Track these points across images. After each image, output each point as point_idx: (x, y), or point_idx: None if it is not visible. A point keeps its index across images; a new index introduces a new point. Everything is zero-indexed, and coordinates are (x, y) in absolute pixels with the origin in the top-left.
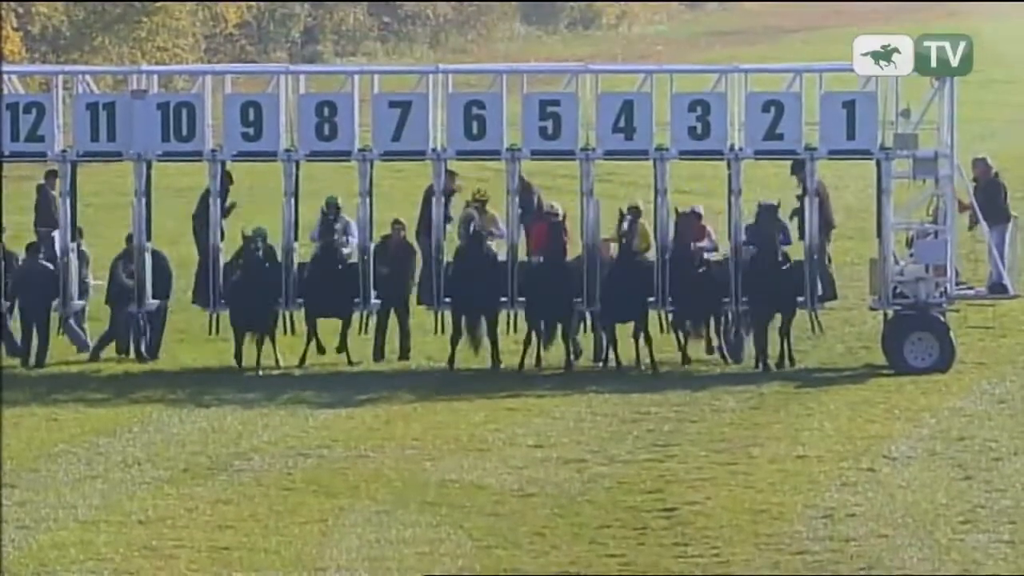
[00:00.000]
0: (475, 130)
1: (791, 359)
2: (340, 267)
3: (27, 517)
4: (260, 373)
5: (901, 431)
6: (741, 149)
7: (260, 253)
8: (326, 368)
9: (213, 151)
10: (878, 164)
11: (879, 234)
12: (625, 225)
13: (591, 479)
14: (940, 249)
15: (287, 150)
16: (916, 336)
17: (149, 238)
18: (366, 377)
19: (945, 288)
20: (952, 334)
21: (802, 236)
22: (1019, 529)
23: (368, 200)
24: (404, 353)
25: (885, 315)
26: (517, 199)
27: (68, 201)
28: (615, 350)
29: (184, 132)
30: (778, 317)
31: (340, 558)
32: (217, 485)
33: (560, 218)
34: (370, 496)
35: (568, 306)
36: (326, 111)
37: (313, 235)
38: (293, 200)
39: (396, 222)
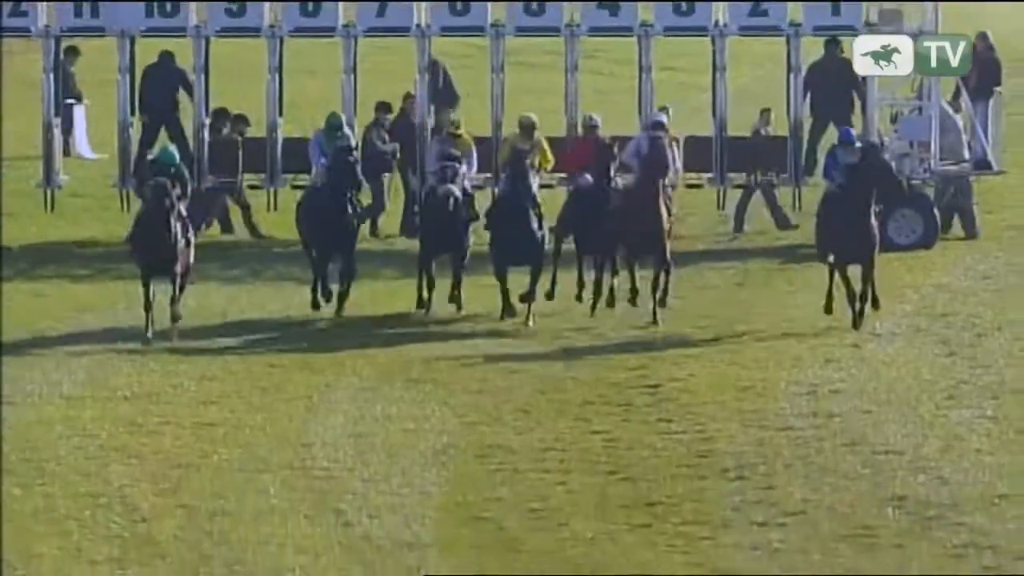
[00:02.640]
0: (459, 7)
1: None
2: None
3: (13, 394)
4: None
5: (885, 307)
6: (726, 25)
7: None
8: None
9: (197, 27)
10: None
11: (863, 111)
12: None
13: (575, 356)
14: (924, 125)
15: (271, 26)
16: (900, 213)
17: (133, 112)
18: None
19: (929, 164)
20: (936, 211)
21: (788, 113)
22: (1002, 405)
23: (352, 77)
24: (404, 229)
25: None
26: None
27: (52, 77)
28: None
29: (168, 8)
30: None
31: (325, 434)
32: (202, 361)
33: (599, 129)
34: (355, 372)
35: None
36: None
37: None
38: (277, 76)
39: (408, 96)
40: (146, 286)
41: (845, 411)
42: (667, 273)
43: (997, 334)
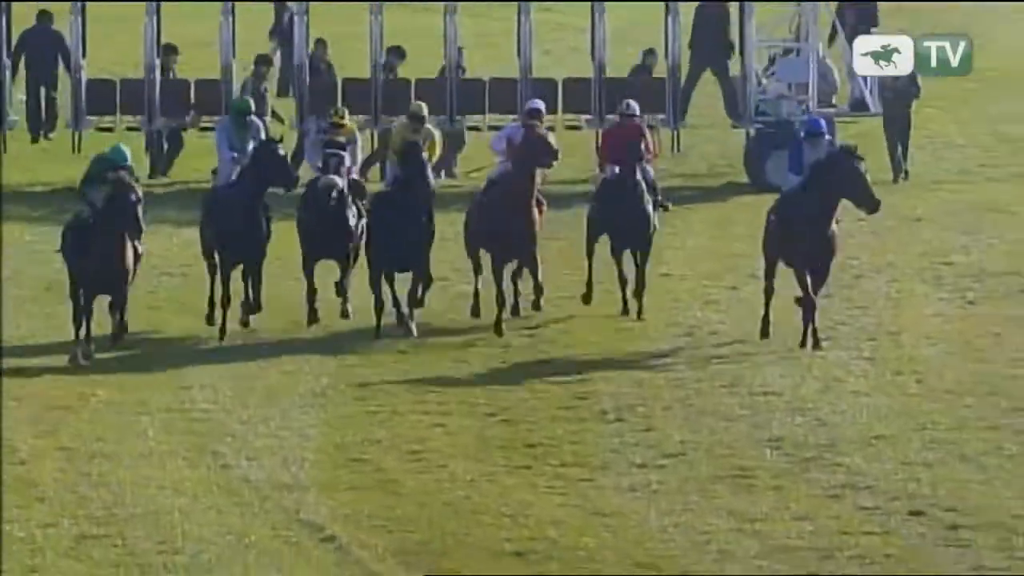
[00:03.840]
0: None
1: None
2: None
3: None
4: None
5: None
6: None
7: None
8: (189, 185)
9: None
10: None
11: (742, 52)
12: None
13: (456, 297)
14: (802, 67)
15: None
16: (778, 154)
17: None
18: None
19: (807, 106)
20: None
21: (667, 55)
22: (879, 346)
23: (231, 19)
24: None
25: (747, 133)
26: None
27: None
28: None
29: None
30: None
31: (204, 376)
32: None
33: (639, 117)
34: (233, 314)
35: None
36: None
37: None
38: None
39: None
40: (87, 302)
41: (724, 353)
42: (535, 274)
43: (875, 276)
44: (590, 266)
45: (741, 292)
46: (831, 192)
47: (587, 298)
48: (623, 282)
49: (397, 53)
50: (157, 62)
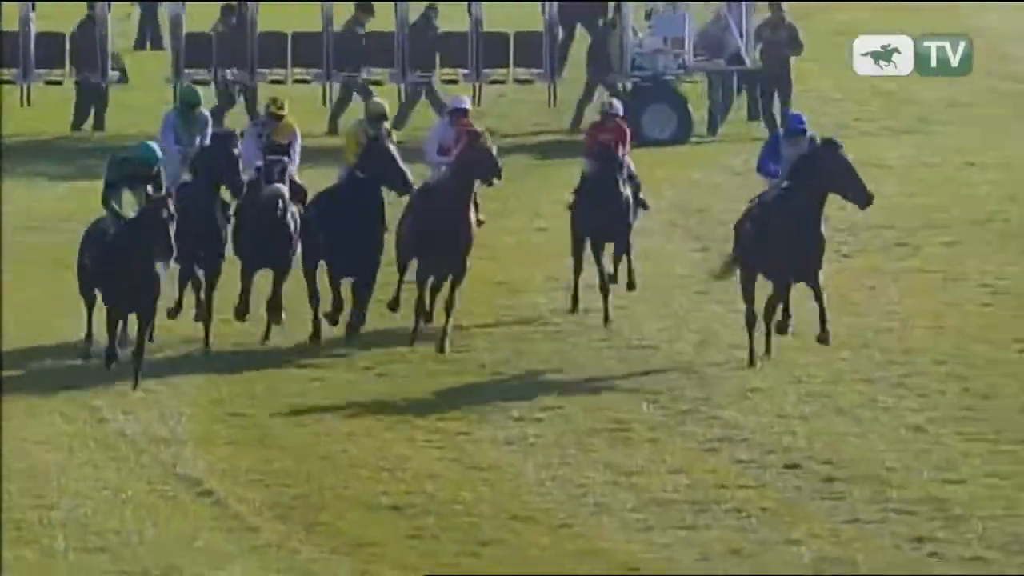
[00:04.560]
0: None
1: None
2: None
3: None
4: None
5: None
6: None
7: None
8: (60, 140)
9: None
10: None
11: (617, 9)
12: None
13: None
14: (679, 22)
15: None
16: (654, 108)
17: None
18: (102, 150)
19: (683, 60)
20: (690, 106)
21: (543, 11)
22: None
23: None
24: None
25: (623, 87)
26: None
27: None
28: None
29: None
30: None
31: (67, 330)
32: None
33: (621, 116)
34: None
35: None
36: None
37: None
38: None
39: None
40: (112, 324)
41: (601, 306)
42: (458, 283)
43: None
44: (577, 268)
45: None
46: (818, 189)
47: (573, 309)
48: (605, 289)
49: (365, 9)
50: (32, 15)
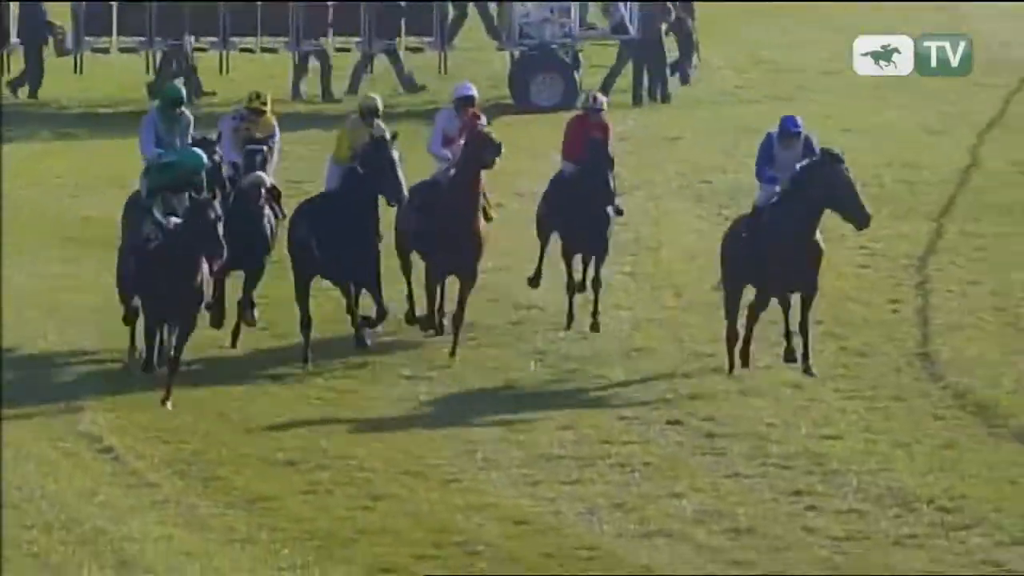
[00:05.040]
0: None
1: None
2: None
3: None
4: None
5: (529, 168)
6: None
7: None
8: None
9: None
10: None
11: None
12: None
13: None
14: None
15: None
16: (541, 76)
17: None
18: (23, 116)
19: (569, 29)
20: (576, 73)
21: None
22: (639, 261)
23: None
24: None
25: (512, 55)
26: None
27: None
28: None
29: None
30: None
31: None
32: None
33: (605, 111)
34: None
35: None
36: None
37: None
38: None
39: None
40: (152, 333)
41: (488, 267)
42: (469, 287)
43: (636, 193)
44: (542, 254)
45: (507, 209)
46: (815, 203)
47: (534, 282)
48: (571, 290)
49: None
50: None
